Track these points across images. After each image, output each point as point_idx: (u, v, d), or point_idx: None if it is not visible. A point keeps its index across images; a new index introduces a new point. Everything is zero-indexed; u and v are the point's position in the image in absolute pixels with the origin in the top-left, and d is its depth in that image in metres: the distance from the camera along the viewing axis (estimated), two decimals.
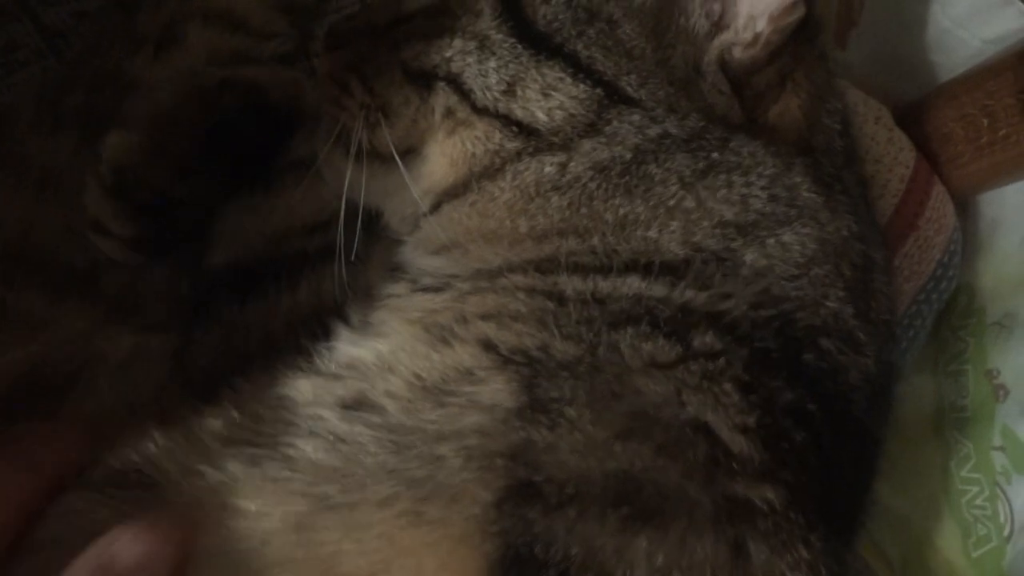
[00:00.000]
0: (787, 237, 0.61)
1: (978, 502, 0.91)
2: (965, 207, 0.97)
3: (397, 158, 0.66)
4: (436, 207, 0.66)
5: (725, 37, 0.62)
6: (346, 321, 0.67)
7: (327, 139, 0.71)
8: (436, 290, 0.65)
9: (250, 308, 0.77)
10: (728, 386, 0.54)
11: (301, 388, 0.58)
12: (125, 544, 0.46)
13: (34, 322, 0.71)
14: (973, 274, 0.97)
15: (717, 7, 0.64)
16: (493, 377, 0.55)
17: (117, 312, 0.74)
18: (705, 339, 0.56)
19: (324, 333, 0.75)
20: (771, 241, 0.61)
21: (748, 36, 0.61)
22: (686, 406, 0.53)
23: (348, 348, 0.61)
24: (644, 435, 0.51)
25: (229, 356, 0.76)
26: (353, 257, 0.75)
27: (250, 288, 0.77)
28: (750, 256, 0.60)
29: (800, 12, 0.61)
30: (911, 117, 0.96)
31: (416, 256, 0.69)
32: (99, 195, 0.72)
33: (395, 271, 0.71)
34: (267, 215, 0.78)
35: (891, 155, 0.91)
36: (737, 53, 0.62)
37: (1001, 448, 0.91)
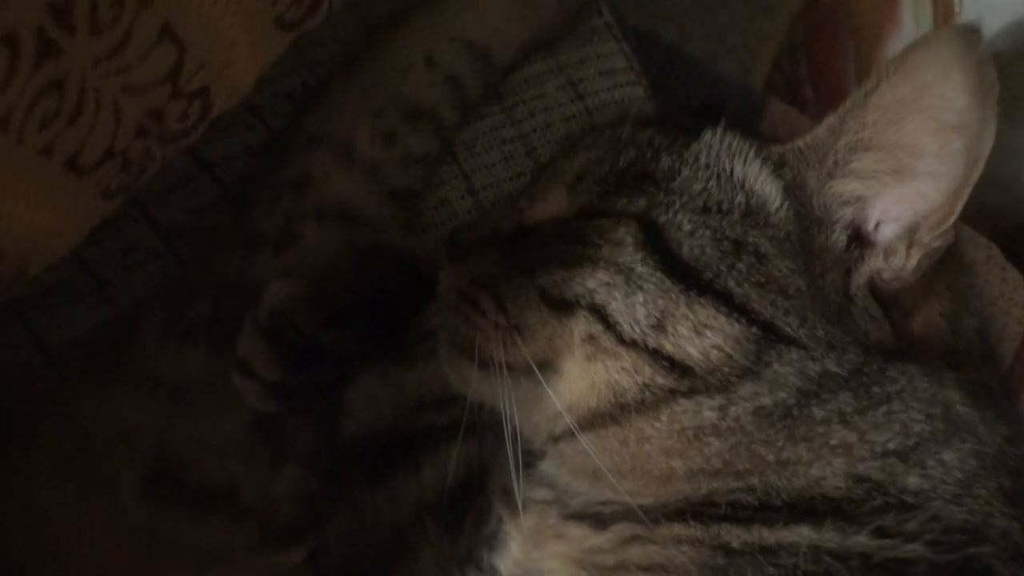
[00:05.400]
0: (947, 456, 0.61)
1: None
2: None
3: (539, 374, 0.65)
4: (578, 430, 0.65)
5: (874, 264, 0.61)
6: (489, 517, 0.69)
7: (449, 346, 0.71)
8: (590, 521, 0.65)
9: (379, 492, 0.78)
10: None
11: None
12: None
13: (182, 548, 0.72)
14: None
15: (849, 213, 0.63)
16: None
17: (259, 529, 0.74)
18: None
19: (456, 522, 0.75)
20: (931, 462, 0.61)
21: (898, 263, 0.61)
22: None
23: None
24: None
25: (361, 553, 0.77)
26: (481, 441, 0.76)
27: (380, 468, 0.78)
28: (913, 481, 0.60)
29: (951, 237, 0.60)
30: (1021, 247, 0.94)
31: (560, 473, 0.69)
32: (253, 336, 0.75)
33: (531, 473, 0.71)
34: (400, 385, 0.79)
35: (1006, 296, 0.90)
36: (887, 276, 0.62)
37: None
